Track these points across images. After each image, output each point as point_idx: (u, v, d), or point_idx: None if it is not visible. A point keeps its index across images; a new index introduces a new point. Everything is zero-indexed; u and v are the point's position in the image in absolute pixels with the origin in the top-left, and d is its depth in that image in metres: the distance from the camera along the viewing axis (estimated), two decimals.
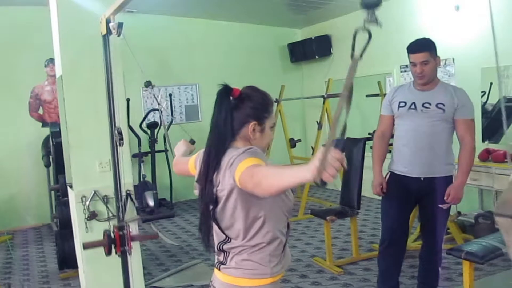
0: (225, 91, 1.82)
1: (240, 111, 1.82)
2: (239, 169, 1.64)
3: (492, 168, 5.09)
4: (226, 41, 8.26)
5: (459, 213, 5.19)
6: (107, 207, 3.69)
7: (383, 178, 3.48)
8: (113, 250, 3.24)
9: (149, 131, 6.88)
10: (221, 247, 1.88)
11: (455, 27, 5.87)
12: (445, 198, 3.28)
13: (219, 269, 1.91)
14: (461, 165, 3.32)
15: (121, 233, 3.20)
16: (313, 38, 8.14)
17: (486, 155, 5.25)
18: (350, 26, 5.50)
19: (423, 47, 3.24)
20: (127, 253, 3.29)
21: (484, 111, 5.67)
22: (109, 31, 3.09)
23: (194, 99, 8.10)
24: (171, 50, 7.80)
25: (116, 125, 3.31)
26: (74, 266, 4.65)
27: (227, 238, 1.85)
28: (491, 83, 5.68)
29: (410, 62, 3.28)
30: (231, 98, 1.83)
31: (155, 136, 6.90)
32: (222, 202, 1.78)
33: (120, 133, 3.38)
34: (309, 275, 4.40)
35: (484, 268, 4.22)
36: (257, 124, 1.84)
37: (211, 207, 1.80)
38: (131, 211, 3.76)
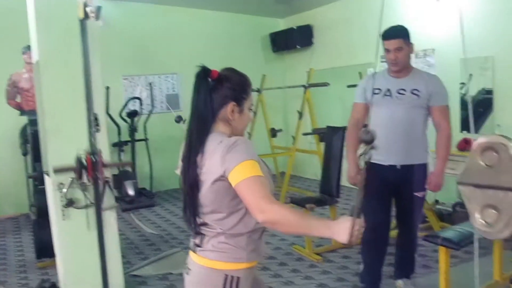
0: (203, 73, 1.82)
1: (218, 93, 1.82)
2: (238, 172, 1.66)
3: None
4: (207, 30, 8.21)
5: (437, 202, 5.27)
6: (85, 194, 3.64)
7: (359, 168, 3.42)
8: (85, 176, 3.27)
9: (129, 120, 6.82)
10: (197, 230, 1.88)
11: (436, 18, 5.91)
12: (426, 186, 3.30)
13: (195, 252, 1.90)
14: (439, 151, 3.33)
15: (93, 158, 3.16)
16: (295, 28, 8.13)
17: (464, 145, 5.31)
18: (332, 16, 5.60)
19: (396, 34, 3.26)
20: (99, 181, 3.24)
21: (463, 102, 5.73)
22: (86, 16, 3.05)
23: (175, 88, 8.05)
24: (152, 39, 7.72)
25: (93, 111, 3.29)
26: (52, 255, 4.61)
27: (203, 222, 1.85)
28: (470, 75, 5.74)
29: (385, 49, 3.29)
30: (209, 79, 1.82)
31: (135, 125, 6.84)
32: (207, 187, 1.77)
33: (96, 119, 3.36)
34: (288, 263, 4.42)
35: (460, 255, 4.28)
36: (236, 105, 1.84)
37: (195, 189, 1.79)
38: (109, 199, 3.74)
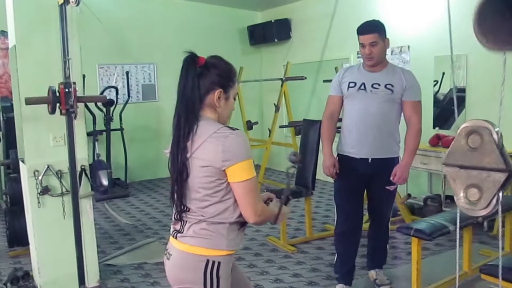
0: (191, 59, 1.85)
1: (206, 79, 1.85)
2: (238, 171, 1.78)
3: (441, 153, 5.25)
4: (185, 21, 8.16)
5: (409, 195, 5.37)
6: (60, 182, 3.62)
7: (334, 158, 3.48)
8: (58, 109, 3.19)
9: (104, 109, 6.75)
10: (178, 216, 1.91)
11: (411, 15, 6.01)
12: (391, 178, 3.33)
13: (175, 238, 1.92)
14: (407, 145, 3.37)
15: (66, 90, 3.12)
16: (273, 21, 8.15)
17: (437, 141, 5.42)
18: (310, 10, 5.64)
19: (371, 28, 3.28)
20: (73, 114, 3.20)
21: (436, 100, 5.85)
22: (66, 1, 3.02)
23: (151, 78, 7.99)
24: (128, 28, 7.64)
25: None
26: (24, 244, 4.56)
27: (186, 208, 1.87)
28: (443, 73, 5.86)
29: (360, 43, 3.32)
30: (197, 66, 1.85)
31: (111, 115, 6.78)
32: (196, 172, 1.81)
33: (72, 106, 3.32)
34: (263, 254, 4.46)
35: (431, 247, 4.40)
36: (222, 92, 1.87)
37: (184, 174, 1.82)
38: (85, 187, 3.72)
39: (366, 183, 3.45)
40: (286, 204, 1.99)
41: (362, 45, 3.29)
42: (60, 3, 3.11)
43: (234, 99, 1.97)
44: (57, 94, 3.12)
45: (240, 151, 1.78)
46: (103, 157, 6.97)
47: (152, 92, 7.99)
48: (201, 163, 1.79)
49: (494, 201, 0.73)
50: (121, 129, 7.16)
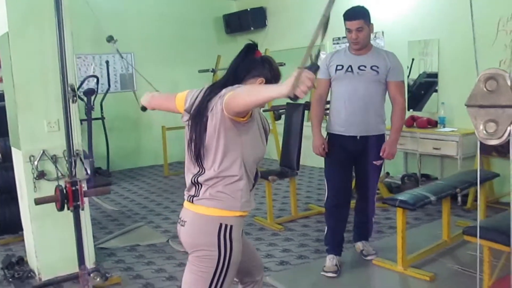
0: (253, 47, 2.14)
1: (259, 68, 2.11)
2: (227, 97, 1.89)
3: (416, 133, 5.52)
4: (162, 11, 8.21)
5: (387, 174, 5.63)
6: (56, 166, 3.70)
7: (323, 138, 3.69)
8: (65, 206, 3.30)
9: (85, 98, 6.78)
10: (195, 180, 2.06)
11: (385, 1, 6.22)
12: (380, 153, 3.57)
13: (191, 202, 2.07)
14: (394, 123, 3.61)
15: (73, 188, 3.26)
16: (248, 10, 8.28)
17: (411, 122, 5.68)
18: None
19: (358, 15, 3.46)
20: (80, 209, 3.34)
21: (410, 83, 6.09)
22: None
23: (129, 68, 8.03)
24: (106, 18, 7.62)
25: (69, 82, 3.34)
26: (15, 231, 4.62)
27: (201, 170, 2.04)
28: (413, 59, 6.12)
29: (346, 28, 3.49)
30: (254, 55, 2.12)
31: (92, 104, 6.81)
32: (210, 127, 1.98)
33: (73, 90, 3.42)
34: (252, 232, 4.63)
35: (411, 221, 4.65)
36: (264, 81, 2.10)
37: (204, 130, 2.00)
38: (80, 171, 3.81)
39: (354, 159, 3.65)
40: (310, 69, 1.60)
41: (348, 30, 3.47)
42: None
43: None
44: (65, 192, 3.22)
45: (232, 88, 1.98)
46: (84, 147, 6.99)
47: (130, 82, 8.03)
48: (214, 118, 1.97)
49: (507, 133, 0.90)
50: (102, 118, 7.21)
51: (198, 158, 2.03)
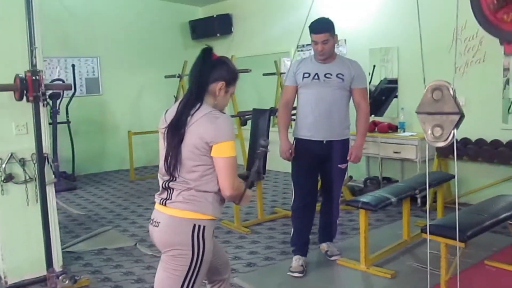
0: (209, 51, 2.22)
1: (216, 71, 2.18)
2: (223, 148, 2.09)
3: (378, 138, 5.72)
4: (128, 15, 8.24)
5: (350, 177, 5.80)
6: (24, 169, 3.70)
7: (290, 143, 3.81)
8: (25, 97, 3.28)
9: (50, 102, 6.74)
10: (167, 185, 2.15)
11: (347, 11, 6.42)
12: (348, 157, 3.72)
13: (164, 205, 2.16)
14: (359, 128, 3.78)
15: (34, 77, 3.24)
16: (215, 16, 8.38)
17: (373, 127, 5.88)
18: (251, 6, 6.00)
19: (324, 28, 3.60)
20: (40, 101, 3.32)
21: (371, 89, 6.30)
22: None
23: (95, 72, 8.01)
24: (72, 21, 7.63)
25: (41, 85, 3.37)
26: None
27: (174, 178, 2.13)
28: (374, 66, 6.34)
29: (312, 40, 3.63)
30: (212, 58, 2.20)
31: (57, 107, 6.77)
32: (188, 145, 2.09)
33: (43, 93, 3.44)
34: (219, 236, 4.71)
35: (373, 222, 4.82)
36: (225, 84, 2.19)
37: (179, 144, 2.11)
38: (49, 174, 3.82)
39: (320, 163, 3.77)
40: (250, 188, 2.25)
41: (314, 42, 3.60)
42: None
43: (231, 95, 2.30)
44: (24, 82, 3.21)
45: (227, 131, 2.11)
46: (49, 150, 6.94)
47: (96, 86, 8.01)
48: (193, 136, 2.08)
49: (451, 135, 1.03)
50: (68, 122, 7.18)
51: (173, 169, 2.13)
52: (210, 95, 2.19)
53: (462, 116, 1.03)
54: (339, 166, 3.79)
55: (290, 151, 3.77)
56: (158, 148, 2.26)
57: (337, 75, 3.65)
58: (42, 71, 3.33)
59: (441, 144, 1.01)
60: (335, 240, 4.18)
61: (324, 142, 3.69)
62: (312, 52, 3.78)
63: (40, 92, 3.25)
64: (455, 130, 1.04)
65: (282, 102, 3.87)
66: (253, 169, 2.25)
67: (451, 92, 1.02)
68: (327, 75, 3.65)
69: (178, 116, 2.14)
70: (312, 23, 3.65)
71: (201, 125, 2.08)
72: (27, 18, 3.23)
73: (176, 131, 2.12)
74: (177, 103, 2.23)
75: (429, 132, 1.03)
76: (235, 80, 2.27)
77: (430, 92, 1.03)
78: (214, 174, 2.12)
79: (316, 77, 3.66)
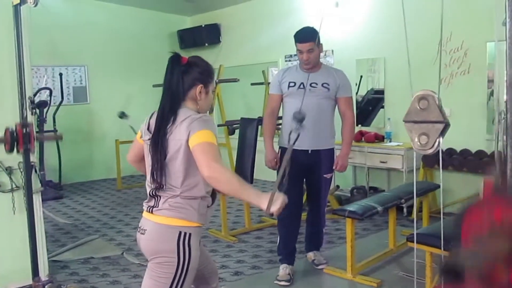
0: (176, 58, 2.15)
1: (189, 75, 2.14)
2: (195, 138, 2.01)
3: (365, 148, 5.78)
4: (116, 24, 8.25)
5: (337, 187, 5.84)
6: (10, 178, 3.68)
7: (275, 152, 3.82)
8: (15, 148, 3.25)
9: (37, 111, 6.70)
10: (154, 193, 2.16)
11: (335, 21, 6.49)
12: (334, 166, 3.75)
13: (151, 212, 2.16)
14: (345, 137, 3.81)
15: (24, 130, 3.23)
16: (203, 26, 8.42)
17: (360, 137, 5.93)
18: (239, 16, 6.07)
19: (309, 37, 3.61)
20: (30, 152, 3.31)
21: (356, 101, 6.36)
22: (23, 1, 3.13)
23: (82, 80, 8.00)
24: (59, 30, 7.61)
25: (27, 95, 3.37)
26: None
27: (161, 186, 2.13)
28: (361, 76, 6.41)
29: (297, 49, 3.65)
30: (181, 64, 2.14)
31: (44, 116, 6.74)
32: (173, 152, 2.08)
33: (32, 102, 3.44)
34: (206, 244, 4.70)
35: (360, 232, 4.86)
36: (203, 87, 2.17)
37: (163, 155, 2.09)
38: (35, 183, 3.80)
39: (305, 173, 3.79)
40: (280, 190, 1.98)
41: (299, 51, 3.64)
42: (14, 3, 3.21)
43: (213, 92, 2.28)
44: (15, 135, 3.21)
45: (203, 125, 2.06)
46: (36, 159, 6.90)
47: (84, 95, 7.99)
48: (175, 142, 2.07)
49: (437, 143, 1.06)
50: (55, 131, 7.13)
51: (159, 179, 2.12)
52: (190, 101, 2.16)
53: (447, 125, 1.06)
54: (325, 175, 3.81)
55: (275, 160, 3.78)
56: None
57: (322, 84, 3.67)
58: (32, 124, 3.34)
59: (427, 151, 1.04)
60: (322, 249, 4.20)
61: (310, 151, 3.69)
62: (299, 62, 3.81)
63: (30, 145, 3.26)
64: (441, 138, 1.07)
65: (267, 111, 3.88)
66: (282, 169, 2.05)
67: (437, 101, 1.05)
68: (313, 84, 3.66)
69: (156, 132, 2.12)
70: (297, 32, 3.69)
71: (180, 129, 2.07)
72: (15, 29, 3.22)
73: (158, 146, 2.10)
74: (156, 115, 2.18)
75: (416, 140, 1.07)
76: (212, 78, 2.24)
77: (416, 102, 1.06)
78: (199, 178, 2.09)
79: (301, 86, 3.66)
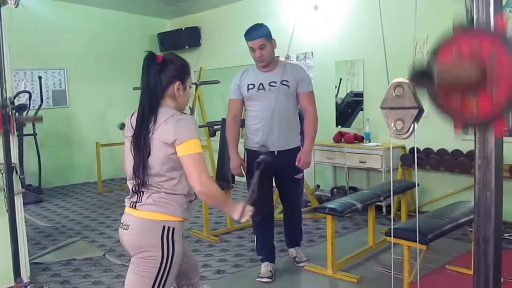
0: (152, 57, 2.18)
1: (165, 73, 2.17)
2: (186, 147, 2.09)
3: (344, 148, 5.86)
4: (95, 27, 8.22)
5: (318, 187, 5.91)
6: None
7: (241, 159, 3.77)
8: None
9: (16, 114, 6.65)
10: (136, 189, 2.18)
11: (314, 24, 6.59)
12: (296, 163, 3.66)
13: (134, 208, 2.19)
14: (307, 133, 3.73)
15: (4, 111, 3.23)
16: (183, 29, 8.46)
17: (339, 137, 6.02)
18: (219, 19, 6.15)
19: (258, 33, 3.57)
20: (10, 133, 3.32)
21: (335, 103, 6.45)
22: (3, 1, 3.14)
23: (62, 84, 7.95)
24: (38, 33, 7.57)
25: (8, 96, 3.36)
26: None
27: (144, 182, 2.15)
28: (340, 79, 6.50)
29: (250, 48, 3.59)
30: (157, 62, 2.16)
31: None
32: (156, 150, 2.11)
33: (12, 103, 3.44)
34: (188, 245, 4.68)
35: (340, 230, 4.93)
36: (180, 83, 2.20)
37: (146, 153, 2.12)
38: (16, 184, 3.79)
39: (274, 173, 3.74)
40: (252, 200, 2.25)
41: (252, 49, 3.57)
42: None
43: (191, 87, 2.30)
44: None
45: (190, 130, 2.11)
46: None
47: (63, 98, 7.95)
48: (158, 141, 2.11)
49: (411, 128, 1.13)
50: (34, 135, 7.09)
51: (142, 176, 2.14)
52: (169, 98, 2.19)
53: (421, 110, 1.13)
54: (295, 176, 3.77)
55: (241, 167, 3.73)
56: (124, 161, 2.27)
57: (281, 82, 3.59)
58: (13, 104, 3.33)
59: (403, 136, 1.10)
60: (303, 247, 4.25)
61: (276, 152, 3.57)
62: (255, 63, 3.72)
63: (11, 125, 3.24)
64: (416, 123, 1.14)
65: (229, 117, 3.78)
66: (252, 180, 2.29)
67: (411, 88, 1.11)
68: (272, 84, 3.60)
69: (138, 131, 2.15)
70: (247, 30, 3.60)
71: (164, 130, 2.09)
72: None
73: (140, 145, 2.13)
74: (136, 115, 2.21)
75: (392, 125, 1.12)
76: (188, 73, 2.25)
77: (392, 89, 1.12)
78: (183, 177, 2.15)
79: (261, 87, 3.61)
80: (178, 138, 2.08)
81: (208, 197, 2.19)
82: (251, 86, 3.64)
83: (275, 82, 3.60)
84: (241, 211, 2.21)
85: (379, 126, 5.92)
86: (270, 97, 3.56)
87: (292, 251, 4.12)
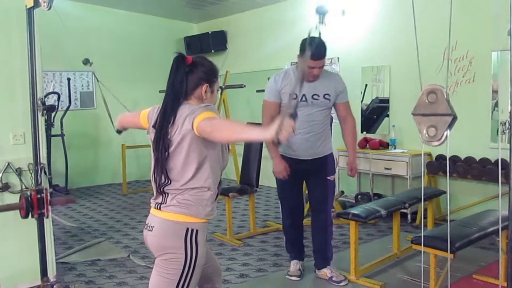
0: (181, 58, 2.17)
1: (194, 75, 2.17)
2: (198, 118, 2.02)
3: (369, 154, 5.81)
4: (123, 30, 8.35)
5: (342, 192, 5.88)
6: (20, 179, 3.74)
7: (285, 162, 3.68)
8: (30, 214, 3.31)
9: (45, 115, 6.78)
10: (161, 189, 2.19)
11: (341, 29, 6.56)
12: (348, 173, 3.78)
13: (159, 209, 2.19)
14: (349, 142, 3.79)
15: (38, 196, 3.29)
16: (209, 33, 8.52)
17: (365, 143, 5.97)
18: (245, 23, 6.17)
19: (323, 54, 3.51)
20: (45, 216, 3.38)
21: (360, 109, 6.41)
22: (36, 4, 3.19)
23: (89, 86, 8.08)
24: (67, 35, 7.68)
25: (38, 96, 3.43)
26: None
27: (168, 181, 2.16)
28: (366, 85, 6.46)
29: (310, 66, 3.47)
30: (185, 64, 2.16)
31: (52, 120, 6.82)
32: (175, 145, 2.10)
33: (44, 103, 3.50)
34: (212, 248, 4.74)
35: (364, 237, 4.89)
36: (208, 86, 2.21)
37: (166, 153, 2.12)
38: (45, 184, 3.85)
39: (305, 177, 3.80)
40: (294, 114, 1.83)
41: (311, 67, 3.48)
42: (28, 7, 3.27)
43: (218, 90, 2.31)
44: (30, 200, 3.27)
45: (203, 109, 2.07)
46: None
47: (91, 100, 8.07)
48: (179, 137, 2.09)
49: (445, 135, 1.11)
50: (62, 135, 7.21)
51: (164, 172, 2.15)
52: (196, 100, 2.18)
53: (454, 118, 1.11)
54: (328, 178, 3.76)
55: (286, 170, 3.66)
56: (150, 162, 2.26)
57: (324, 96, 3.61)
58: (47, 189, 3.39)
59: (435, 143, 1.09)
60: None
61: (309, 160, 3.67)
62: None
63: (44, 210, 3.31)
64: (449, 131, 1.12)
65: (266, 121, 3.67)
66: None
67: (445, 95, 1.10)
68: (314, 97, 3.59)
69: (158, 131, 2.15)
70: (313, 51, 3.32)
71: (185, 123, 2.08)
72: (27, 32, 3.28)
73: (161, 144, 2.13)
74: (158, 111, 2.21)
75: (424, 132, 1.11)
76: (216, 77, 2.25)
77: (425, 95, 1.11)
78: (207, 166, 2.13)
79: (303, 98, 3.57)
80: (195, 116, 2.03)
81: (223, 129, 1.98)
82: (293, 96, 3.40)
83: (318, 96, 3.60)
84: (278, 127, 1.76)
85: (404, 132, 5.86)
86: (311, 108, 3.59)
87: (326, 272, 3.86)
